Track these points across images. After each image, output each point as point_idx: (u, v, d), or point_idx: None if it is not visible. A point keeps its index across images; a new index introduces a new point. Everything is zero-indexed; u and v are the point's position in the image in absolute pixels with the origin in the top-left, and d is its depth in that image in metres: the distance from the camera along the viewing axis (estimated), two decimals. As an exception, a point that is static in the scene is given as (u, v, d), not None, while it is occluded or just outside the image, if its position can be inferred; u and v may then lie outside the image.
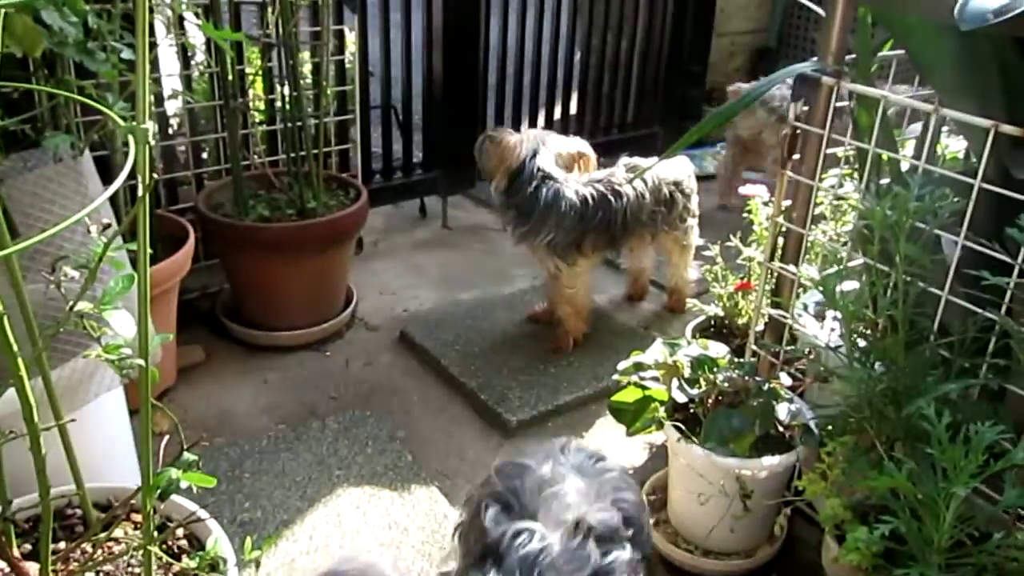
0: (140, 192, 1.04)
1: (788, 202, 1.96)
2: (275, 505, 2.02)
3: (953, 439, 1.22)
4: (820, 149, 1.84)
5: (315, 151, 2.74)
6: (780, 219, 1.95)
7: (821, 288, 1.54)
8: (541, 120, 4.01)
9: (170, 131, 3.03)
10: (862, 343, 1.61)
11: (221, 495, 2.02)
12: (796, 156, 1.91)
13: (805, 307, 1.94)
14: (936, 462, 1.23)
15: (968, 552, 1.28)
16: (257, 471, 2.14)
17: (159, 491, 1.18)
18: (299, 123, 2.70)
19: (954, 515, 1.20)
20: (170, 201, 2.90)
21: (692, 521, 1.92)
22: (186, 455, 1.23)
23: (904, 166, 1.74)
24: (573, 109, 4.16)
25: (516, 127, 3.91)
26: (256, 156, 2.99)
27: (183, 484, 1.20)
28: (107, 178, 1.84)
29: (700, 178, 4.18)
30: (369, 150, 3.41)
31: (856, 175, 1.95)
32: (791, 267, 1.90)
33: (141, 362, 1.12)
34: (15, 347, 0.99)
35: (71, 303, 1.05)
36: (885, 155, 1.72)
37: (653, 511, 2.04)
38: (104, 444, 1.80)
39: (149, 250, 1.05)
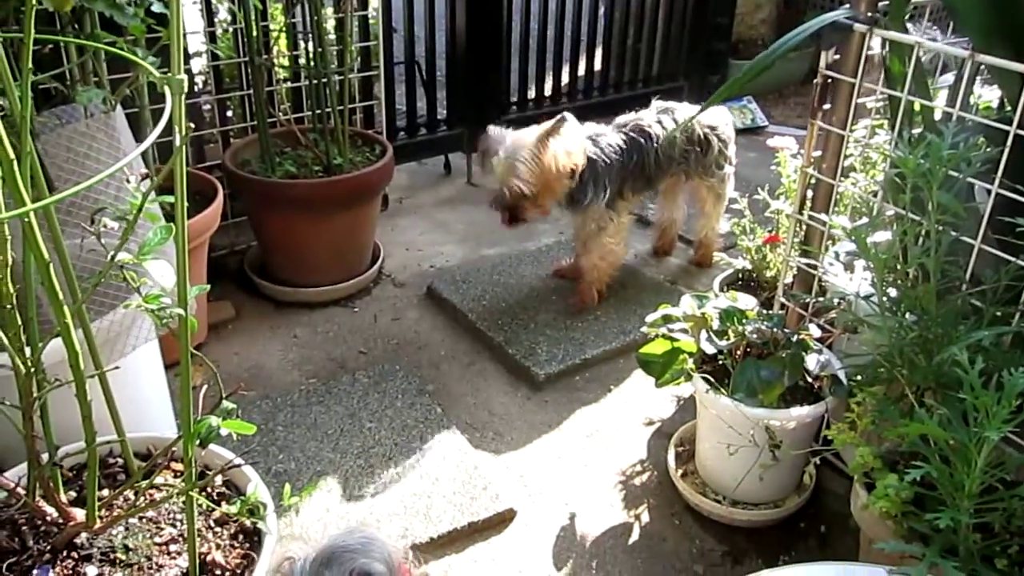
0: (177, 143, 1.05)
1: (818, 153, 1.94)
2: (308, 456, 2.06)
3: (985, 386, 1.22)
4: (851, 98, 1.82)
5: (340, 108, 2.74)
6: (810, 170, 1.93)
7: (852, 238, 1.53)
8: (565, 76, 3.97)
9: (196, 89, 3.04)
10: (893, 293, 1.60)
11: (255, 447, 2.06)
12: (827, 105, 1.89)
13: (837, 255, 1.92)
14: (968, 408, 1.23)
15: (999, 497, 1.28)
16: (290, 424, 2.17)
17: (200, 438, 1.21)
18: (324, 79, 2.70)
19: (985, 460, 1.20)
20: (197, 159, 2.92)
21: (721, 471, 1.94)
22: (225, 403, 1.26)
23: (937, 114, 1.72)
24: (598, 64, 4.13)
25: (540, 84, 3.90)
26: (282, 113, 2.99)
27: (223, 432, 1.22)
28: (136, 135, 1.85)
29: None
30: (393, 107, 3.40)
31: (887, 125, 1.93)
32: (822, 216, 1.89)
33: (180, 311, 1.13)
34: (60, 295, 1.00)
35: (112, 253, 1.06)
36: (918, 103, 1.70)
37: (681, 463, 2.06)
38: (141, 397, 1.83)
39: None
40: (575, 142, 2.45)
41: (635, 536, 1.92)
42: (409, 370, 2.41)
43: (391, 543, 1.14)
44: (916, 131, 1.68)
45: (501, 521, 1.93)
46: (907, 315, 1.55)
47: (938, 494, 1.34)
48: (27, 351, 1.15)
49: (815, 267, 1.96)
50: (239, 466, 1.38)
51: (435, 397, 2.30)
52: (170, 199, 1.17)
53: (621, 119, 2.67)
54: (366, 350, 2.55)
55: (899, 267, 1.56)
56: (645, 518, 1.97)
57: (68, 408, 1.26)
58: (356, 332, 2.64)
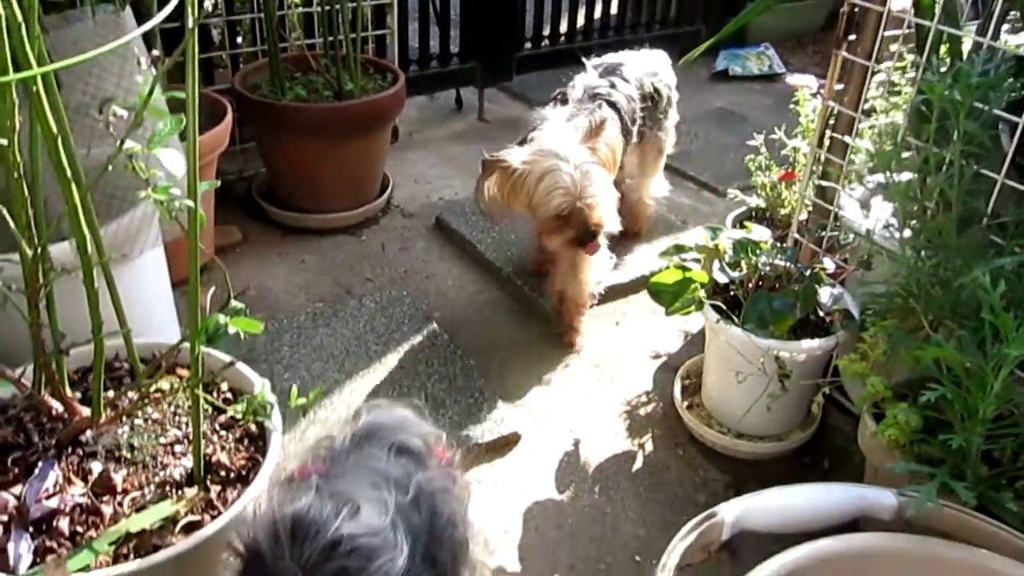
0: (189, 24, 1.02)
1: (840, 86, 1.90)
2: (313, 376, 2.05)
3: (1006, 310, 1.20)
4: (878, 27, 1.77)
5: (352, 36, 2.69)
6: (831, 102, 1.90)
7: (875, 160, 1.50)
8: (581, 18, 3.90)
9: (205, 11, 2.98)
10: (912, 225, 1.58)
11: (261, 365, 2.05)
12: (852, 36, 1.85)
13: (863, 181, 1.89)
14: (987, 332, 1.21)
15: (1012, 423, 1.27)
16: (295, 344, 2.17)
17: (207, 335, 1.20)
18: (336, 5, 2.65)
19: (1003, 382, 1.19)
20: (207, 82, 2.87)
21: (727, 403, 1.93)
22: (233, 303, 1.24)
23: (966, 45, 1.68)
24: (615, 5, 4.05)
25: (556, 22, 3.83)
26: (294, 38, 2.94)
27: (230, 330, 1.21)
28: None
29: (744, 78, 4.15)
30: (406, 38, 3.34)
31: (910, 65, 1.90)
32: (845, 138, 1.85)
33: (190, 203, 1.11)
34: (68, 172, 0.98)
35: (121, 139, 1.04)
36: (947, 32, 1.66)
37: (687, 395, 2.05)
38: (147, 307, 1.82)
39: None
40: (615, 137, 2.19)
41: (638, 464, 1.92)
42: (416, 297, 2.40)
43: (424, 423, 1.15)
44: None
45: (505, 445, 1.93)
46: (925, 248, 1.53)
47: (949, 420, 1.33)
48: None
49: (831, 203, 1.93)
50: (233, 363, 1.36)
51: (442, 324, 2.29)
52: (181, 95, 1.15)
53: (574, 91, 2.29)
54: (373, 277, 2.53)
55: (920, 196, 1.53)
56: (649, 447, 1.97)
57: (76, 307, 1.25)
58: (363, 260, 2.62)
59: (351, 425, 1.14)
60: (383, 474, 1.01)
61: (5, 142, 0.94)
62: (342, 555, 0.87)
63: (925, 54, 1.63)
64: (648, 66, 2.45)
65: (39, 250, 1.08)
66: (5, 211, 1.04)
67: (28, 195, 1.01)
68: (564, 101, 2.29)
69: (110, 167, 1.09)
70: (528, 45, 3.77)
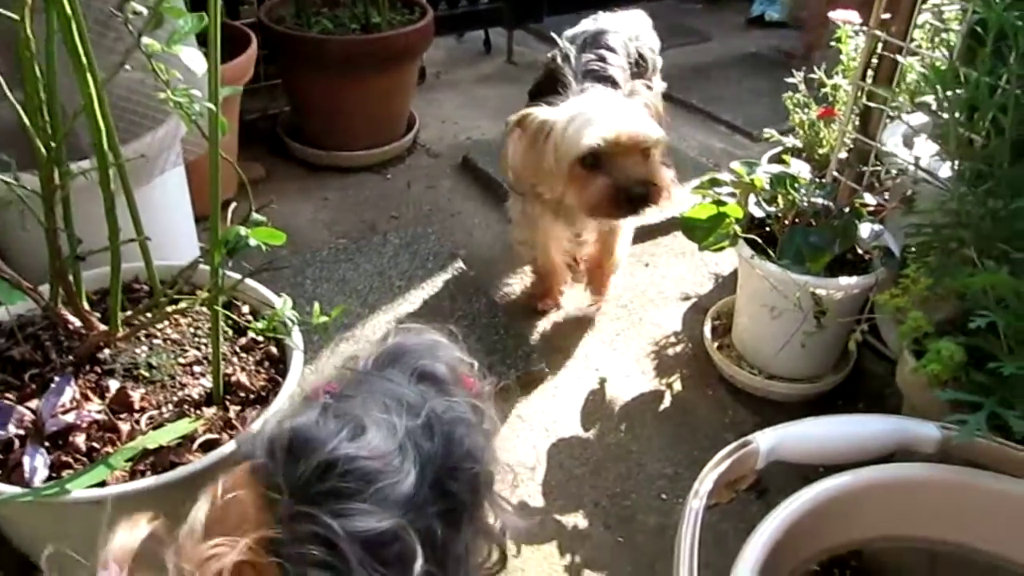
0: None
1: (887, 16, 1.82)
2: (340, 307, 2.01)
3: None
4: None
5: (380, -30, 2.63)
6: (878, 31, 1.81)
7: (929, 79, 1.42)
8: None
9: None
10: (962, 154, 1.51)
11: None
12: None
13: (914, 104, 1.79)
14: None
15: (1065, 355, 1.22)
16: (318, 279, 2.13)
17: (227, 247, 1.16)
18: (364, -63, 2.58)
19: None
20: (231, 17, 2.82)
21: (759, 343, 1.88)
22: (254, 215, 1.21)
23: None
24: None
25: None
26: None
27: (251, 242, 1.17)
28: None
29: (781, 24, 4.03)
30: (435, -26, 3.26)
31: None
32: (899, 57, 1.77)
33: (211, 105, 1.07)
34: (84, 60, 0.94)
35: (139, 33, 0.99)
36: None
37: (717, 336, 2.00)
38: (168, 231, 1.79)
39: None
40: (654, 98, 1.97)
41: (666, 403, 1.88)
42: (441, 235, 2.36)
43: (456, 350, 1.10)
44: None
45: (530, 381, 1.89)
46: (975, 175, 1.46)
47: (994, 352, 1.28)
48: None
49: (873, 139, 1.86)
50: (267, 270, 1.32)
51: (467, 262, 2.25)
52: None
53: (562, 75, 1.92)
54: (398, 215, 2.49)
55: (972, 123, 1.46)
56: (677, 387, 1.93)
57: (98, 225, 1.22)
58: (388, 197, 2.57)
59: (377, 346, 1.10)
60: (398, 397, 0.96)
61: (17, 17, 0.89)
62: (336, 475, 0.83)
63: (981, -27, 1.55)
64: (631, 29, 2.11)
65: (55, 148, 1.04)
66: (19, 107, 1.00)
67: (42, 87, 0.97)
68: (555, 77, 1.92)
69: (126, 67, 1.04)
70: (559, -15, 3.67)
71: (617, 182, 1.67)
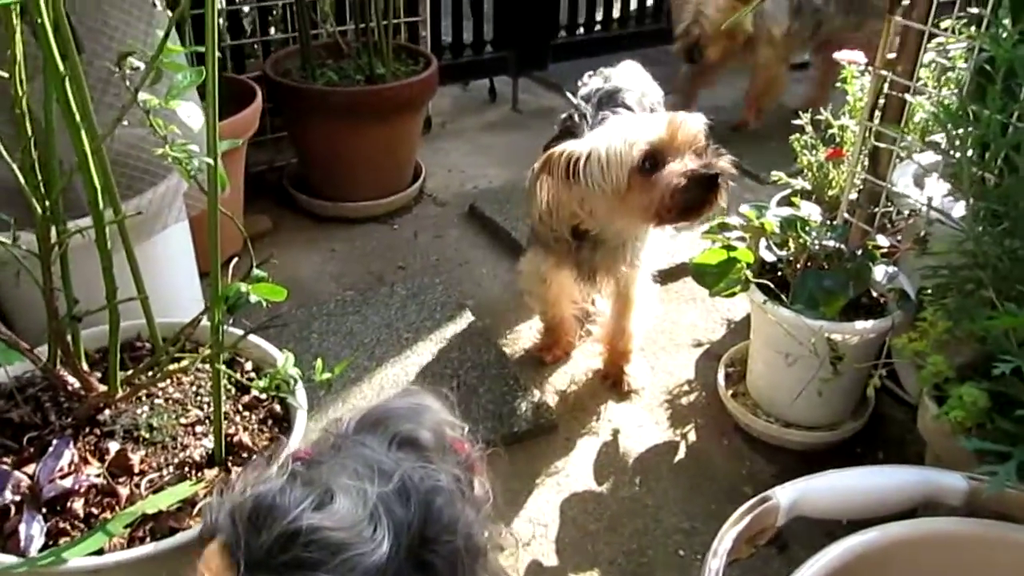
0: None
1: (893, 55, 1.80)
2: (346, 360, 1.99)
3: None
4: (935, -10, 1.68)
5: (384, 22, 2.64)
6: (884, 71, 1.80)
7: (939, 118, 1.40)
8: (618, 5, 3.82)
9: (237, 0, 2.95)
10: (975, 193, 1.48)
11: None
12: (905, 1, 1.75)
13: (924, 142, 1.77)
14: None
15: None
16: (325, 332, 2.11)
17: (227, 304, 1.14)
18: (368, -9, 2.60)
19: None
20: (237, 71, 2.84)
21: (775, 390, 1.84)
22: (255, 271, 1.18)
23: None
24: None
25: (592, 7, 3.76)
26: (326, 25, 2.89)
27: (251, 298, 1.15)
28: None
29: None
30: (439, 25, 3.28)
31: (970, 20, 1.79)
32: (906, 96, 1.75)
33: (209, 160, 1.05)
34: (77, 116, 0.92)
35: (135, 87, 0.98)
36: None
37: (731, 383, 1.96)
38: (172, 287, 1.77)
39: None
40: None
41: (681, 455, 1.84)
42: (449, 285, 2.33)
43: (446, 414, 1.05)
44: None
45: (541, 433, 1.85)
46: (991, 215, 1.43)
47: (1020, 397, 1.23)
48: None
49: (883, 180, 1.83)
50: (268, 327, 1.29)
51: (475, 312, 2.22)
52: (202, 48, 1.09)
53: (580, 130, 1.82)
54: (405, 265, 2.47)
55: (984, 162, 1.43)
56: (692, 437, 1.88)
57: (98, 285, 1.20)
58: (395, 248, 2.56)
59: (360, 410, 1.05)
60: (370, 463, 0.91)
61: (6, 75, 0.88)
62: (300, 546, 0.79)
63: (989, 8, 1.53)
64: (640, 85, 2.04)
65: (50, 207, 1.03)
66: (15, 166, 0.99)
67: (35, 146, 0.96)
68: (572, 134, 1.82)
69: (124, 125, 1.03)
70: (563, 33, 3.69)
71: (687, 169, 1.61)
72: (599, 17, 3.79)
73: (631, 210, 1.67)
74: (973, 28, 1.74)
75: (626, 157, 1.61)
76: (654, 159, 1.62)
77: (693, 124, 1.65)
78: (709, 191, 1.63)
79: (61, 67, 0.91)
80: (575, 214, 1.73)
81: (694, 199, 1.63)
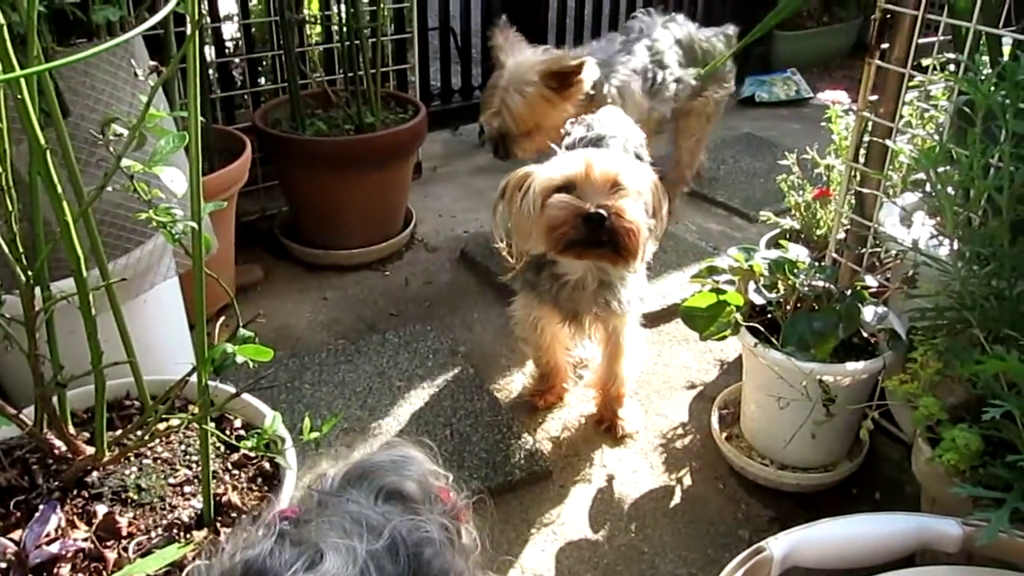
0: (189, 31, 0.97)
1: (875, 97, 1.82)
2: (335, 415, 1.98)
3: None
4: (912, 32, 1.70)
5: (372, 71, 2.66)
6: (866, 112, 1.81)
7: (920, 161, 1.41)
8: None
9: (227, 51, 2.98)
10: (960, 235, 1.49)
11: (281, 404, 1.98)
12: (884, 44, 1.77)
13: (907, 186, 1.78)
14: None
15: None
16: (317, 382, 2.10)
17: (214, 365, 1.13)
18: (356, 41, 2.62)
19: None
20: (227, 122, 2.86)
21: (768, 433, 1.83)
22: (242, 331, 1.18)
23: (1007, 45, 1.60)
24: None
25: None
26: (315, 75, 2.91)
27: (238, 359, 1.14)
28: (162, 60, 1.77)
29: (771, 104, 4.08)
30: (427, 72, 3.32)
31: (948, 63, 1.81)
32: (887, 142, 1.76)
33: (193, 224, 1.06)
34: (59, 188, 0.92)
35: (118, 154, 0.98)
36: (987, 31, 1.57)
37: (725, 425, 1.95)
38: (163, 346, 1.76)
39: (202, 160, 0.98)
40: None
41: (676, 499, 1.82)
42: (441, 331, 2.33)
43: (429, 464, 1.05)
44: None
45: (535, 481, 1.84)
46: (978, 257, 1.44)
47: (1012, 440, 1.23)
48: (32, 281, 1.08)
49: (869, 219, 1.84)
50: (256, 389, 1.29)
51: (468, 359, 2.22)
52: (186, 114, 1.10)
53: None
54: (397, 312, 2.47)
55: (968, 203, 1.44)
56: (687, 481, 1.87)
57: (81, 340, 1.20)
58: (387, 295, 2.56)
59: (344, 465, 1.04)
60: (359, 519, 0.91)
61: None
62: None
63: (966, 53, 1.55)
64: (624, 131, 2.05)
65: (33, 275, 1.03)
66: (-2, 236, 0.99)
67: (17, 216, 0.96)
68: None
69: (110, 187, 1.03)
70: (550, 77, 3.72)
71: (571, 204, 1.62)
72: (586, 60, 3.82)
73: (538, 235, 1.69)
74: (952, 68, 1.76)
75: (546, 184, 1.66)
76: (567, 190, 1.65)
77: (614, 165, 1.67)
78: (594, 231, 1.61)
79: (42, 139, 0.91)
80: (520, 234, 1.75)
81: (578, 235, 1.62)
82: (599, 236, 1.62)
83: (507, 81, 2.36)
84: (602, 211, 1.60)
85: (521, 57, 2.40)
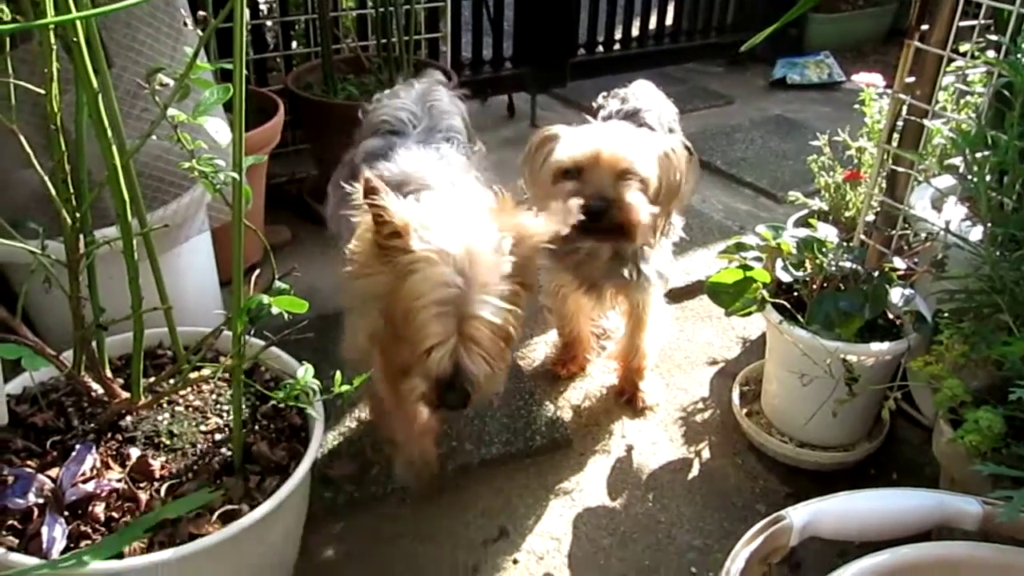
0: (238, -17, 0.98)
1: (911, 79, 1.81)
2: (361, 374, 2.00)
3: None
4: (953, 14, 1.68)
5: (405, 38, 2.67)
6: (902, 95, 1.80)
7: (958, 142, 1.41)
8: (636, 24, 3.85)
9: (260, 15, 2.99)
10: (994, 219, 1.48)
11: (307, 361, 2.00)
12: (924, 26, 1.76)
13: (942, 167, 1.77)
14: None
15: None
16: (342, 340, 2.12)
17: (249, 315, 1.15)
18: (390, 8, 2.63)
19: (1101, 380, 1.10)
20: (260, 84, 2.87)
21: (790, 410, 1.84)
22: (277, 283, 1.20)
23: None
24: (670, 12, 3.99)
25: (610, 28, 3.78)
26: (348, 40, 2.92)
27: (274, 310, 1.16)
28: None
29: (803, 86, 4.05)
30: (459, 41, 3.31)
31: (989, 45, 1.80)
32: (925, 121, 1.75)
33: (235, 174, 1.07)
34: (109, 132, 0.94)
35: (165, 104, 1.00)
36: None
37: (746, 402, 1.96)
38: (195, 297, 1.79)
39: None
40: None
41: (695, 472, 1.84)
42: (465, 299, 2.34)
43: None
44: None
45: (555, 448, 1.86)
46: (1009, 242, 1.44)
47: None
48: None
49: (900, 202, 1.84)
50: (289, 339, 1.31)
51: (492, 326, 2.23)
52: (229, 65, 1.11)
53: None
54: (422, 278, 2.48)
55: (1002, 187, 1.44)
56: (706, 455, 1.88)
57: (123, 294, 1.22)
58: (412, 261, 2.57)
59: None
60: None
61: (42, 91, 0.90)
62: None
63: (1008, 36, 1.54)
64: (657, 105, 2.04)
65: (80, 218, 1.05)
66: (47, 178, 1.01)
67: (67, 159, 0.98)
68: None
69: (153, 136, 1.05)
70: (582, 51, 3.72)
71: (580, 193, 1.61)
72: (618, 36, 3.81)
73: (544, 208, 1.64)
74: (992, 53, 1.74)
75: (555, 162, 1.69)
76: (574, 172, 1.67)
77: (624, 150, 1.66)
78: (593, 220, 1.60)
79: (95, 83, 0.93)
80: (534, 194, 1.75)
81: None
82: (598, 225, 1.63)
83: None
84: (602, 204, 1.62)
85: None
